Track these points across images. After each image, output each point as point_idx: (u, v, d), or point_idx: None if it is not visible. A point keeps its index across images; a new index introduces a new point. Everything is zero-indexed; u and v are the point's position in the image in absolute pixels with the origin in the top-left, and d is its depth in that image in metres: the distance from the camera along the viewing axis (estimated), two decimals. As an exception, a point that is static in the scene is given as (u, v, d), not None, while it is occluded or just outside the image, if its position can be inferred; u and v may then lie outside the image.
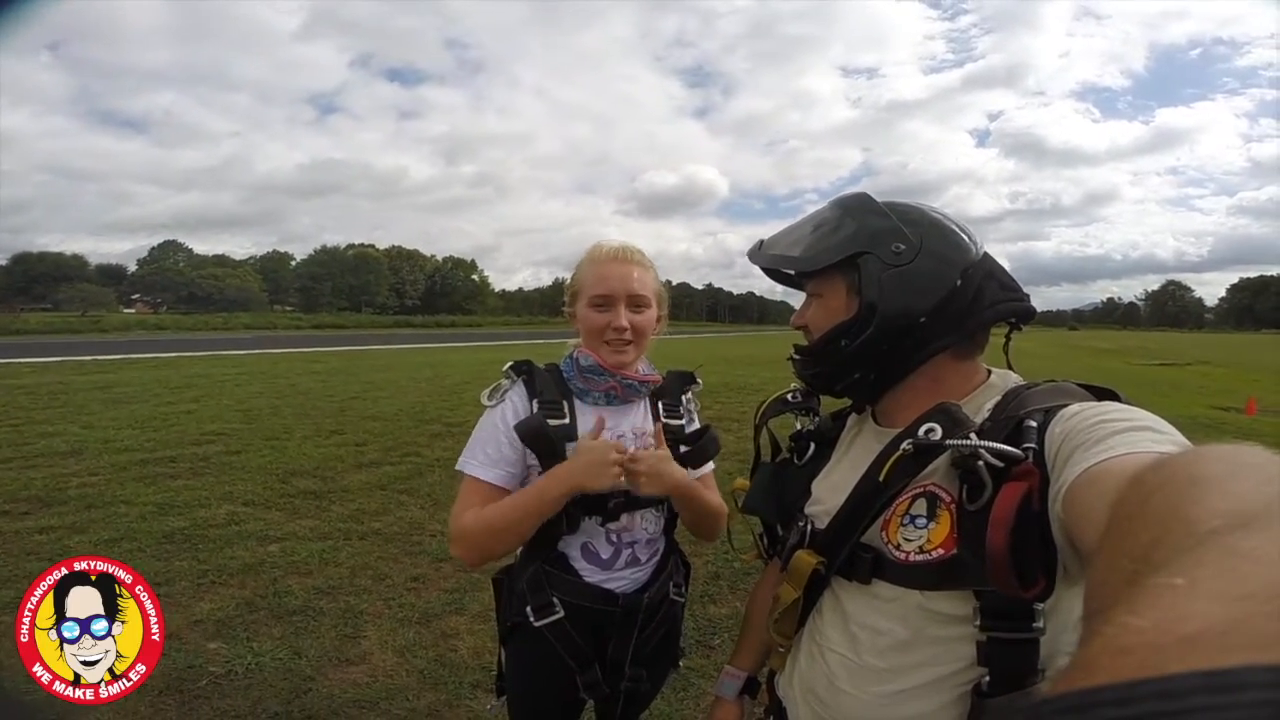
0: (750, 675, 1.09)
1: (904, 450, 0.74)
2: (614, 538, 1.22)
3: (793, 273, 0.95)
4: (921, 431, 0.73)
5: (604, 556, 1.22)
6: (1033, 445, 0.66)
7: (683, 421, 1.31)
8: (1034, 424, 0.68)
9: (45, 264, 70.38)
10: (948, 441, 0.70)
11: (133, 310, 65.85)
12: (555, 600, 1.18)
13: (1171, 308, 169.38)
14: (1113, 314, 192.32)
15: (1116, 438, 0.58)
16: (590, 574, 1.21)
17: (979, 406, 0.78)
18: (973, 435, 0.69)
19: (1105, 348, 38.56)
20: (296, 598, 2.95)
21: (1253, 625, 0.20)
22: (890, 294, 0.79)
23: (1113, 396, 0.71)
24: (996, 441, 0.67)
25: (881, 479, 0.76)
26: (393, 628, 2.72)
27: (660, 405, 1.29)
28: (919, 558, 0.73)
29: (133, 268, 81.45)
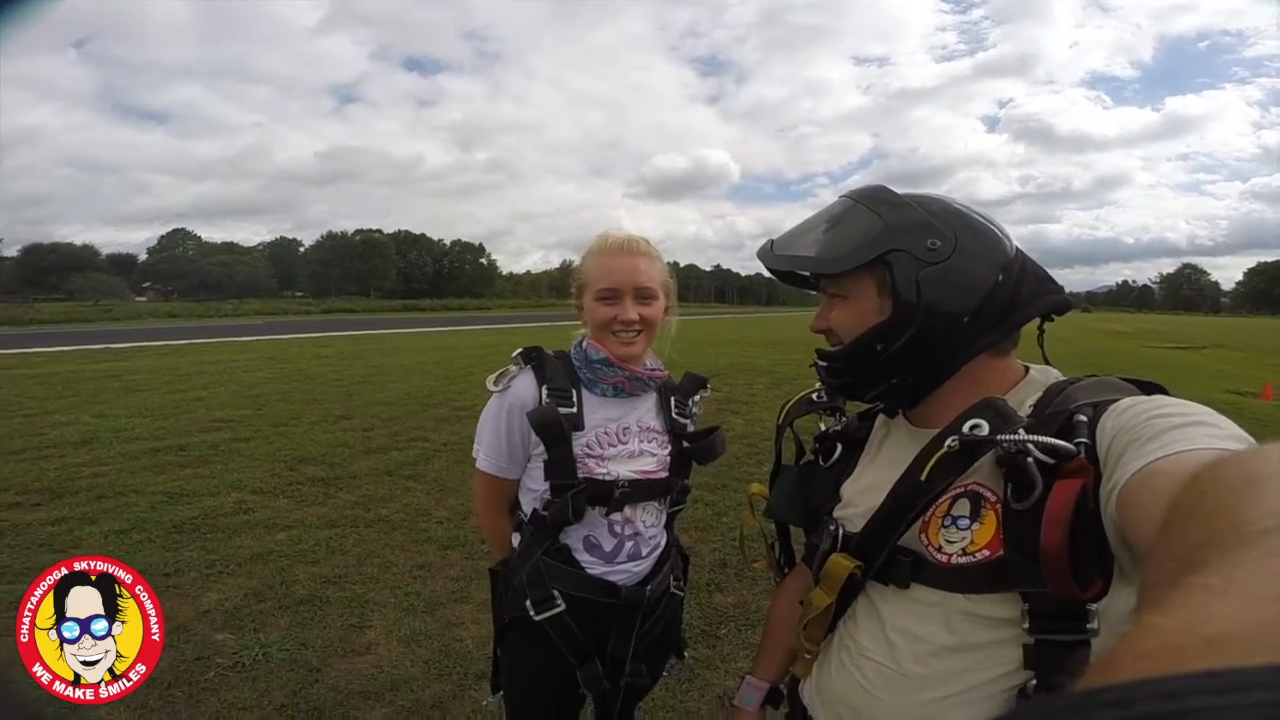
0: (773, 686, 1.05)
1: (949, 448, 0.70)
2: (617, 529, 1.23)
3: (807, 274, 0.90)
4: (966, 428, 0.69)
5: (606, 549, 1.23)
6: (1084, 440, 0.63)
7: (688, 421, 1.33)
8: (1084, 418, 0.65)
9: (56, 254, 70.67)
10: (997, 437, 0.66)
11: (144, 298, 66.26)
12: (556, 593, 1.19)
13: (1187, 291, 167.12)
14: (1127, 296, 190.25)
15: (1172, 433, 0.55)
16: (592, 566, 1.22)
17: (1020, 402, 0.75)
18: (1021, 431, 0.66)
19: (1119, 330, 38.13)
20: (304, 587, 2.96)
21: None
22: (930, 293, 0.74)
23: (1160, 390, 0.69)
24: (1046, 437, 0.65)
25: (924, 478, 0.72)
26: (399, 617, 2.73)
27: (673, 401, 1.32)
28: (962, 560, 0.70)
29: (143, 257, 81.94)
